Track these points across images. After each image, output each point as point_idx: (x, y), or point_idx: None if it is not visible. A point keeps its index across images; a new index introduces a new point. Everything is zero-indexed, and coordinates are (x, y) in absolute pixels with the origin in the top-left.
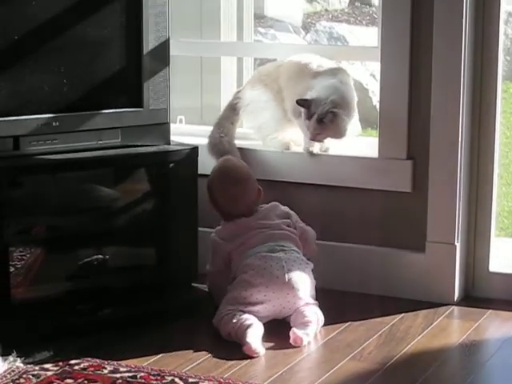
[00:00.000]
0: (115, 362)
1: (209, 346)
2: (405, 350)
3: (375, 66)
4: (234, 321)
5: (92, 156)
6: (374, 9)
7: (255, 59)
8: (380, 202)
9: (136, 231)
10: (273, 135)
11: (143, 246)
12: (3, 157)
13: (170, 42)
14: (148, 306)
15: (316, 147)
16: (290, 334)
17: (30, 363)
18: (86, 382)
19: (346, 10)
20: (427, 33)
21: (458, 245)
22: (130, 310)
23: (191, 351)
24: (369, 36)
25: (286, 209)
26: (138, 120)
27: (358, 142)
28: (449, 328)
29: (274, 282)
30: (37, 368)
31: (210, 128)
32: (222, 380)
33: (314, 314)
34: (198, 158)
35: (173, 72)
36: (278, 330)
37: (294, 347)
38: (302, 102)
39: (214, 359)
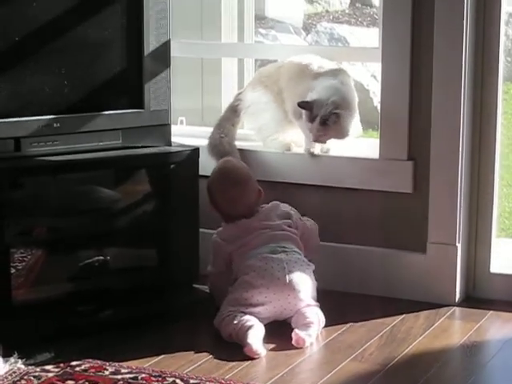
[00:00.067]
0: (116, 364)
1: (210, 347)
2: (406, 350)
3: (376, 67)
4: (235, 322)
5: (93, 157)
6: (374, 10)
7: (256, 60)
8: (381, 202)
9: (137, 232)
10: (273, 136)
11: (144, 247)
12: (4, 158)
13: (171, 43)
14: (149, 307)
15: (317, 148)
16: (293, 335)
17: (31, 364)
18: (87, 383)
19: (347, 11)
20: (428, 33)
21: (458, 246)
22: (131, 311)
23: (192, 352)
24: (369, 37)
25: (286, 208)
26: (139, 121)
27: (358, 143)
28: (450, 329)
29: (275, 283)
30: (38, 369)
31: (211, 129)
32: (223, 381)
33: (315, 315)
34: (199, 159)
35: (174, 73)
36: (279, 332)
37: (295, 348)
38: (303, 105)
39: (215, 360)
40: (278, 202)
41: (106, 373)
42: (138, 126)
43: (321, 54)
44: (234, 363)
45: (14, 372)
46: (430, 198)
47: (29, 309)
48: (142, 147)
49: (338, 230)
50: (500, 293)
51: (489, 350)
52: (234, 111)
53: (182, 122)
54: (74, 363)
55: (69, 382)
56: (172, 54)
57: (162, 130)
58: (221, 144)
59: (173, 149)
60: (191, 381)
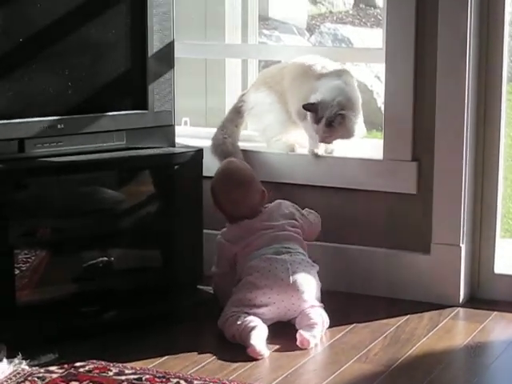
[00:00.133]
0: (120, 365)
1: (214, 348)
2: (410, 351)
3: (380, 68)
4: (239, 323)
5: (97, 158)
6: (378, 10)
7: (260, 61)
8: (385, 203)
9: (141, 233)
10: (277, 137)
11: (148, 248)
12: (8, 159)
13: (175, 44)
14: (153, 308)
15: (321, 149)
16: (297, 336)
17: (35, 365)
18: None
19: (351, 12)
20: (432, 34)
21: (463, 246)
22: (135, 312)
23: (196, 353)
24: (373, 38)
25: (289, 206)
26: (143, 122)
27: (362, 144)
28: (454, 330)
29: (279, 284)
30: (42, 370)
31: (215, 130)
32: (226, 382)
33: (320, 316)
34: (203, 160)
35: (177, 74)
36: (283, 332)
37: (299, 349)
38: (308, 107)
39: (219, 361)
40: (280, 201)
41: (110, 374)
42: (141, 127)
43: (324, 55)
44: (237, 364)
45: (18, 373)
46: (433, 198)
47: (33, 310)
48: (146, 148)
49: (342, 231)
50: (504, 293)
51: (493, 351)
52: (237, 112)
53: (185, 123)
54: (78, 364)
55: (73, 382)
56: (176, 55)
57: (166, 130)
58: (224, 144)
59: (177, 150)
60: (195, 382)
